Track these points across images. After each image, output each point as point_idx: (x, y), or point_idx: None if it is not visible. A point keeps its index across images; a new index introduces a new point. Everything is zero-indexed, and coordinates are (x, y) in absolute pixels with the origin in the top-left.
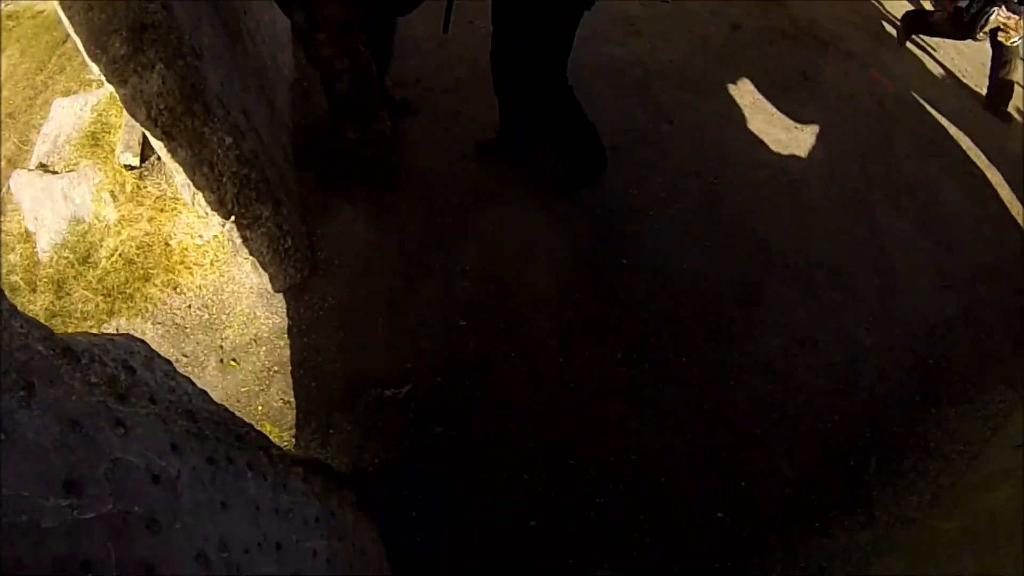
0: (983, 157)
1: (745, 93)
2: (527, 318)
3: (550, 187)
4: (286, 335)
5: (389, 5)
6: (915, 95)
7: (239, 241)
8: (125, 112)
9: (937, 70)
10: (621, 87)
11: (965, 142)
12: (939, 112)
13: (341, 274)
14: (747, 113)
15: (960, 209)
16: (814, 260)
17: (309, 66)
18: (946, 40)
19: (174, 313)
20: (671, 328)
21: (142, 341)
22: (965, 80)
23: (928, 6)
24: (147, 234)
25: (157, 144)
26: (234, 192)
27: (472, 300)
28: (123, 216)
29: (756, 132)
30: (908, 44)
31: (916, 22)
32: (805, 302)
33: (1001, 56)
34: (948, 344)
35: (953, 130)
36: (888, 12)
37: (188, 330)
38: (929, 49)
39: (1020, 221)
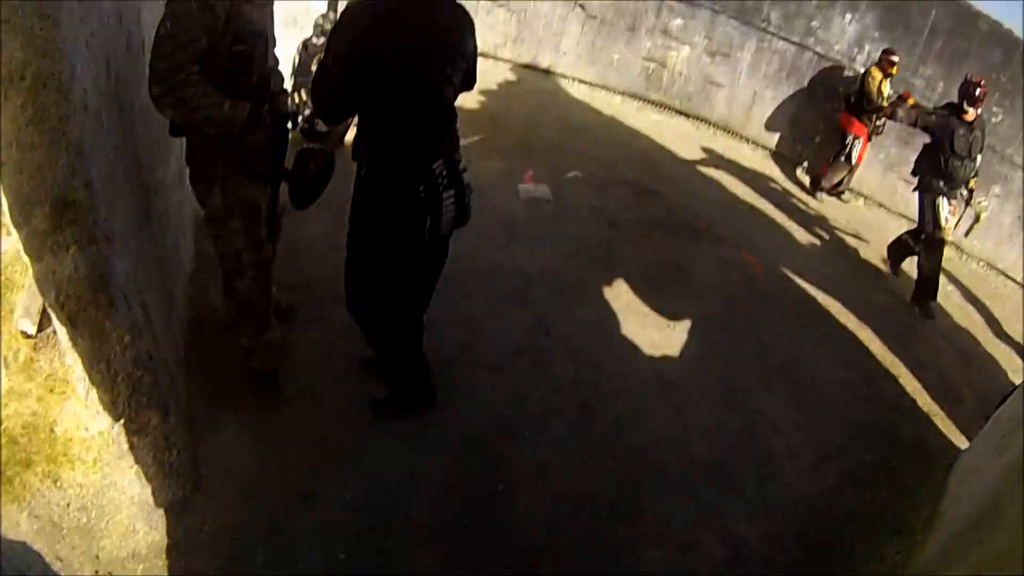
0: (853, 318)
1: (621, 295)
2: (407, 552)
3: (371, 406)
4: (164, 555)
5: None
6: (785, 270)
7: (125, 447)
8: (30, 274)
9: (807, 239)
10: (502, 299)
11: (836, 307)
12: (809, 282)
13: (222, 496)
14: (621, 317)
15: (833, 377)
16: (692, 460)
17: (215, 257)
18: (823, 200)
19: (52, 509)
20: (553, 552)
21: (37, 553)
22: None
23: None
24: (34, 414)
25: (60, 329)
26: (127, 395)
27: (353, 532)
28: (12, 388)
29: (630, 337)
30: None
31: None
32: (685, 505)
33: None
34: (833, 513)
35: (822, 297)
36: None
37: (65, 532)
38: (805, 215)
39: (892, 370)
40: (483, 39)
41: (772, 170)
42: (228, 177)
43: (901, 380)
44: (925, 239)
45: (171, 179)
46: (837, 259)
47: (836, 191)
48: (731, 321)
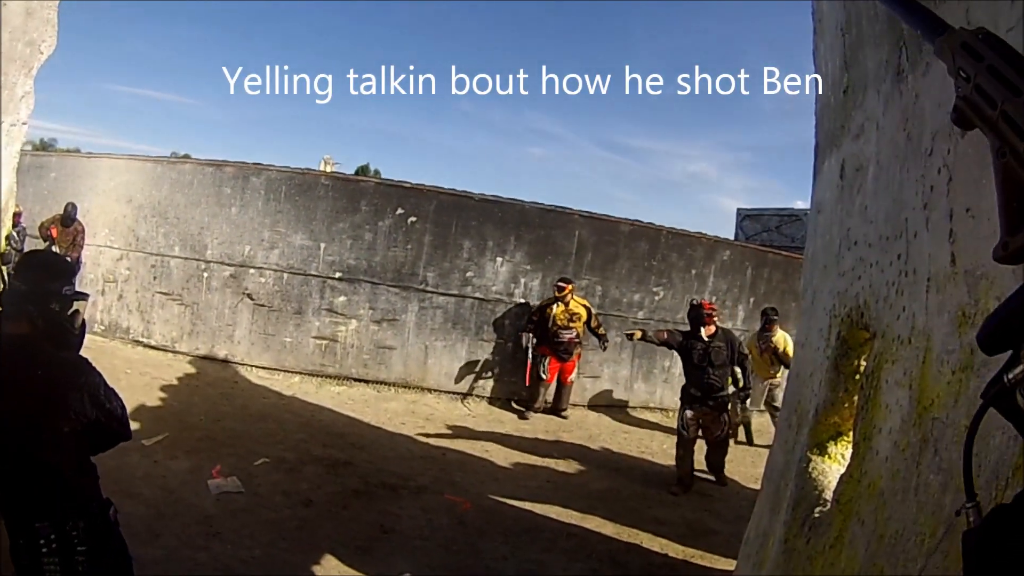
0: (576, 512)
1: (329, 569)
2: None
3: None
4: None
5: None
6: (494, 496)
7: None
8: None
9: (509, 459)
10: None
11: (555, 510)
12: (521, 498)
13: None
14: None
15: (573, 573)
16: None
17: None
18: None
19: None
20: None
21: None
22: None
23: None
24: None
25: None
26: None
27: None
28: None
29: None
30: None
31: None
32: None
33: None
34: None
35: (539, 507)
36: None
37: None
38: (503, 439)
39: (634, 540)
40: (160, 334)
41: (459, 410)
42: None
43: (645, 544)
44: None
45: None
46: (543, 467)
47: (558, 410)
48: (451, 563)
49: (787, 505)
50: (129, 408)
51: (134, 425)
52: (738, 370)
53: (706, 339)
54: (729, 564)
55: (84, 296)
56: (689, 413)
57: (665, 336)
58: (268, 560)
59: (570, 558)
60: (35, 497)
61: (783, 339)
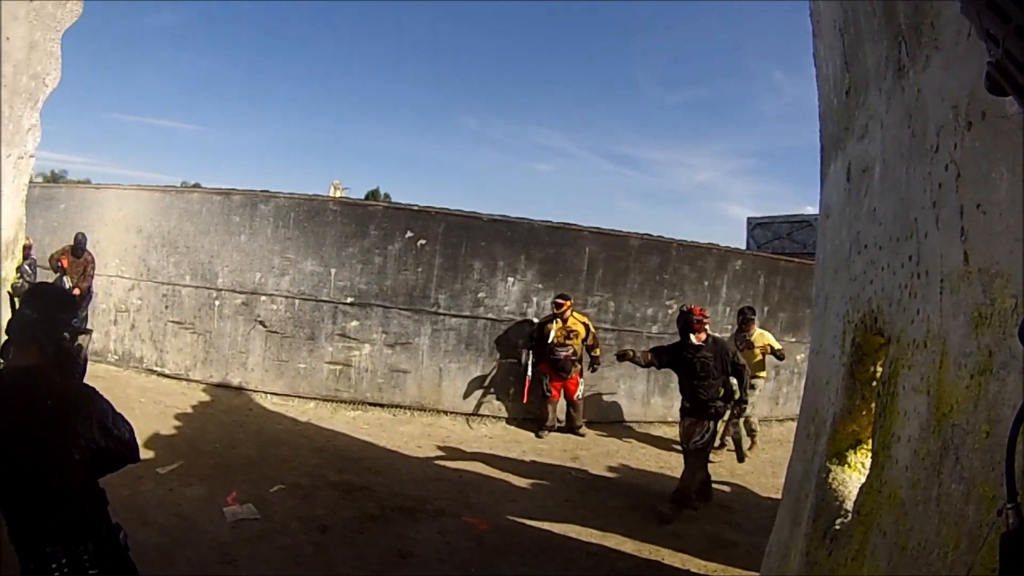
0: (595, 531)
1: None
2: None
3: None
4: None
5: None
6: (511, 517)
7: None
8: None
9: (526, 481)
10: None
11: (574, 529)
12: (538, 518)
13: None
14: None
15: None
16: None
17: None
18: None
19: None
20: None
21: None
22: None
23: None
24: None
25: None
26: None
27: None
28: None
29: None
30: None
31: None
32: None
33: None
34: None
35: (558, 526)
36: None
37: None
38: (518, 461)
39: (654, 556)
40: (173, 362)
41: (475, 431)
42: None
43: (666, 560)
44: (683, 452)
45: None
46: (561, 485)
47: (573, 428)
48: None
49: (807, 516)
50: (143, 436)
51: (148, 454)
52: (733, 380)
53: (693, 348)
54: None
55: (88, 331)
56: (682, 426)
57: (650, 357)
58: None
59: None
60: (46, 522)
61: (761, 336)
